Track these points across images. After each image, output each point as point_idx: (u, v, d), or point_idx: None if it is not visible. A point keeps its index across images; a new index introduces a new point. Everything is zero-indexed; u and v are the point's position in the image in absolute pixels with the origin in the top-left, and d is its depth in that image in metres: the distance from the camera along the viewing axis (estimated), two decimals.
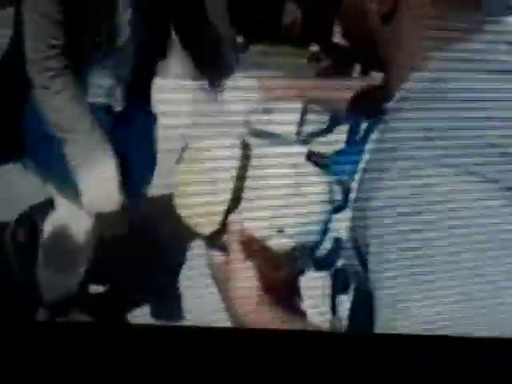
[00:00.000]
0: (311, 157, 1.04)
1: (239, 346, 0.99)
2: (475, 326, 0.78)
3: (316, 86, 1.34)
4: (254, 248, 0.95)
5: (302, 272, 1.01)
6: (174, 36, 1.97)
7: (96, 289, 2.03)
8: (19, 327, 1.09)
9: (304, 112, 1.26)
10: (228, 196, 1.01)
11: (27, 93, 1.79)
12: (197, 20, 1.93)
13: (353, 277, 0.95)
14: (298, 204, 1.00)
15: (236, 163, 1.02)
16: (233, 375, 1.00)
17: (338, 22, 1.00)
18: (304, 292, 1.00)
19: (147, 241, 2.03)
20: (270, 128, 1.21)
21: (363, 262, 0.88)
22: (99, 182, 1.72)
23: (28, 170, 1.92)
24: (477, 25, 0.87)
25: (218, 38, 1.99)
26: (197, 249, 1.16)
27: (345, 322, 1.00)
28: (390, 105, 0.90)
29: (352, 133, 1.17)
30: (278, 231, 0.98)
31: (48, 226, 1.84)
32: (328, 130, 1.29)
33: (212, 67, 1.91)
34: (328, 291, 1.01)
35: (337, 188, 1.00)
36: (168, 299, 2.11)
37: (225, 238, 0.99)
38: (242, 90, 1.24)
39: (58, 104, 1.73)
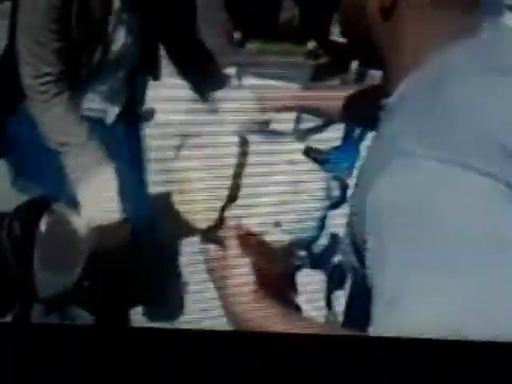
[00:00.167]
0: (309, 153, 1.05)
1: (235, 349, 1.00)
2: (473, 328, 0.78)
3: (310, 96, 1.34)
4: (250, 243, 0.95)
5: (298, 267, 1.01)
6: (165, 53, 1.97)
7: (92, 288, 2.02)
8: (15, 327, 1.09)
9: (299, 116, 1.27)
10: (226, 192, 1.01)
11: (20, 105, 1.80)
12: (188, 36, 1.94)
13: (350, 272, 0.96)
14: (295, 199, 1.00)
15: (234, 159, 1.02)
16: (229, 378, 1.00)
17: (336, 19, 1.00)
18: (300, 287, 1.00)
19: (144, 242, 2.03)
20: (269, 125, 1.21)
21: (360, 258, 0.88)
22: (98, 194, 1.73)
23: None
24: (475, 23, 0.88)
25: (210, 52, 1.99)
26: (192, 247, 1.17)
27: (340, 318, 1.00)
28: (389, 101, 0.90)
29: (349, 129, 1.18)
30: (275, 225, 0.98)
31: (46, 222, 1.84)
32: (325, 126, 1.30)
33: (203, 81, 1.91)
34: (324, 286, 1.01)
35: (334, 184, 1.00)
36: (164, 300, 2.10)
37: (222, 233, 0.99)
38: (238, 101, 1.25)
39: (53, 120, 1.74)
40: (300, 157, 1.05)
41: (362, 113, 1.12)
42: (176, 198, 1.05)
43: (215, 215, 1.00)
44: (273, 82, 2.17)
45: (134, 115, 2.00)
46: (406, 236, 0.79)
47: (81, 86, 1.80)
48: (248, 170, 1.02)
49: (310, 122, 1.33)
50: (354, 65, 2.16)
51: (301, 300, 0.97)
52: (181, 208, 1.03)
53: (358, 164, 0.99)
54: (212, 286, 0.97)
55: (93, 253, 1.79)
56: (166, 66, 1.99)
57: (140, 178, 1.93)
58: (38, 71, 1.71)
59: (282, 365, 1.00)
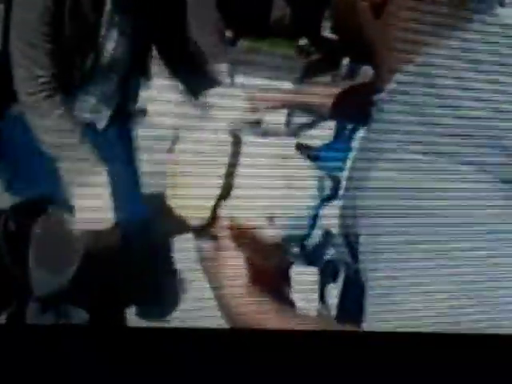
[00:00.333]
0: (301, 148, 1.05)
1: (229, 346, 1.00)
2: (466, 321, 0.79)
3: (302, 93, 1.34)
4: (244, 239, 0.95)
5: (291, 263, 1.02)
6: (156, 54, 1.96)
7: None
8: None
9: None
10: (219, 187, 1.01)
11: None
12: (179, 37, 1.94)
13: (342, 267, 0.96)
14: (288, 195, 1.01)
15: (227, 155, 1.02)
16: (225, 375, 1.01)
17: (327, 16, 1.00)
18: (294, 282, 1.00)
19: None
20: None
21: (353, 253, 0.89)
22: (92, 198, 1.73)
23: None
24: (465, 18, 0.88)
25: (201, 52, 1.99)
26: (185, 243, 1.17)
27: (334, 312, 1.01)
28: (380, 97, 0.90)
29: (340, 126, 1.18)
30: (269, 220, 0.98)
31: (41, 221, 1.85)
32: (316, 122, 1.30)
33: (194, 81, 1.91)
34: (317, 281, 1.01)
35: (326, 180, 1.00)
36: (157, 298, 2.10)
37: (215, 229, 0.99)
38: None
39: (46, 124, 1.73)
40: (293, 152, 1.05)
41: (353, 109, 1.13)
42: (169, 193, 1.05)
43: (209, 211, 1.01)
44: (265, 80, 2.17)
45: (126, 117, 2.00)
46: (399, 228, 0.80)
47: (74, 90, 1.80)
48: (241, 166, 1.03)
49: (302, 118, 1.33)
50: (345, 61, 2.17)
51: (294, 295, 0.97)
52: (174, 204, 1.03)
53: (349, 159, 0.99)
54: (205, 282, 0.97)
55: (87, 253, 1.79)
56: (157, 66, 1.99)
57: (133, 179, 1.93)
58: (31, 74, 1.71)
59: (277, 361, 1.01)
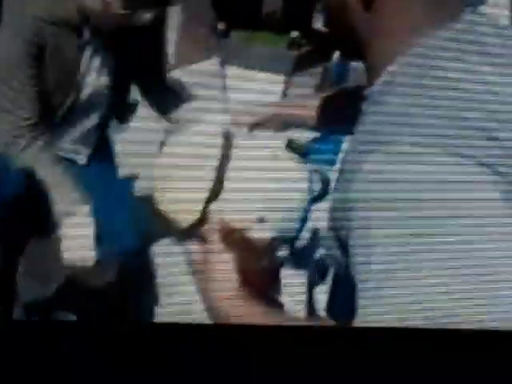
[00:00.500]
0: (290, 145, 1.05)
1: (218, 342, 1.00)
2: (460, 317, 0.79)
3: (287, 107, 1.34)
4: (234, 240, 0.95)
5: (281, 263, 1.01)
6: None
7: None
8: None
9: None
10: (208, 189, 1.01)
11: None
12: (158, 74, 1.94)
13: (332, 266, 0.96)
14: (278, 195, 1.00)
15: (216, 155, 1.02)
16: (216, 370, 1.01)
17: (319, 8, 1.00)
18: (283, 283, 1.00)
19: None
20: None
21: (344, 247, 0.88)
22: (76, 232, 1.74)
23: None
24: (455, 9, 0.88)
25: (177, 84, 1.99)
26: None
27: (322, 312, 1.01)
28: (372, 90, 0.90)
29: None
30: (259, 220, 0.98)
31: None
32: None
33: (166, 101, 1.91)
34: (306, 281, 1.02)
35: (316, 178, 1.00)
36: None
37: (204, 230, 0.99)
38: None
39: (27, 158, 1.74)
40: (283, 152, 1.05)
41: (340, 117, 1.13)
42: (158, 195, 1.05)
43: (197, 212, 1.01)
44: (256, 73, 2.16)
45: (107, 152, 2.01)
46: (391, 223, 0.80)
47: (54, 129, 1.80)
48: (231, 167, 1.02)
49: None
50: (336, 55, 2.17)
51: (283, 296, 0.97)
52: (163, 205, 1.03)
53: (341, 152, 0.99)
54: (192, 280, 0.97)
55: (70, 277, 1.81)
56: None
57: (120, 212, 1.93)
58: (16, 117, 1.72)
59: (266, 356, 1.01)
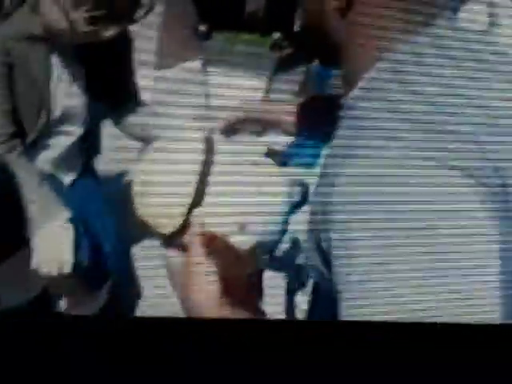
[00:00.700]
0: (269, 154, 1.05)
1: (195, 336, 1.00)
2: (437, 313, 0.80)
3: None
4: (215, 247, 0.95)
5: (262, 271, 1.02)
6: None
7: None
8: None
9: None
10: (189, 195, 1.01)
11: None
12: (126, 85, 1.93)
13: (312, 273, 0.96)
14: (259, 202, 1.01)
15: (197, 163, 1.02)
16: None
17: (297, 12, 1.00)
18: (265, 291, 1.00)
19: None
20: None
21: (324, 256, 0.89)
22: (51, 241, 1.73)
23: None
24: (431, 16, 0.89)
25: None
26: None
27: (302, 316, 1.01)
28: (349, 98, 0.91)
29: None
30: (240, 228, 0.98)
31: None
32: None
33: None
34: (287, 288, 1.02)
35: (295, 185, 1.01)
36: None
37: (185, 237, 0.99)
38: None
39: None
40: (263, 158, 1.06)
41: (317, 123, 1.13)
42: (139, 201, 1.05)
43: (178, 219, 1.01)
44: (238, 75, 2.16)
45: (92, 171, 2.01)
46: (370, 226, 0.80)
47: (32, 146, 1.80)
48: (211, 171, 1.03)
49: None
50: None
51: (265, 304, 0.98)
52: (142, 212, 1.03)
53: (320, 158, 1.00)
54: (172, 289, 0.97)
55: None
56: None
57: (104, 228, 1.93)
58: None
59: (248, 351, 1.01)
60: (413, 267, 0.80)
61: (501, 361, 0.99)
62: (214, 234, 0.96)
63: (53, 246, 1.72)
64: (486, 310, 0.81)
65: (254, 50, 2.33)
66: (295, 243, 1.00)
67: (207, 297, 0.92)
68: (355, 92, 0.90)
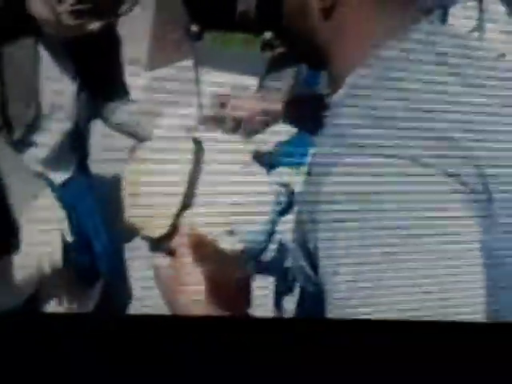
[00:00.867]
0: (256, 157, 1.05)
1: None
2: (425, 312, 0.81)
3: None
4: (203, 252, 0.96)
5: (250, 274, 1.02)
6: None
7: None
8: None
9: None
10: (178, 197, 1.01)
11: None
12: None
13: (299, 277, 0.97)
14: (247, 206, 1.01)
15: (186, 164, 1.02)
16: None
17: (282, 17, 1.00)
18: (252, 294, 1.01)
19: None
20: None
21: (311, 260, 0.89)
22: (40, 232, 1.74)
23: None
24: (414, 18, 0.90)
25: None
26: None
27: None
28: (334, 99, 0.91)
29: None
30: (228, 233, 0.99)
31: None
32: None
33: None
34: (274, 292, 1.02)
35: (281, 190, 1.01)
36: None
37: (173, 241, 0.99)
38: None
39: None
40: (251, 160, 1.06)
41: (305, 116, 1.13)
42: (128, 202, 1.05)
43: (167, 221, 1.01)
44: (231, 75, 2.17)
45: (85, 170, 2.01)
46: (356, 229, 0.81)
47: (21, 141, 1.80)
48: (200, 174, 1.03)
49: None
50: None
51: (252, 308, 0.98)
52: (131, 214, 1.03)
53: (307, 157, 1.00)
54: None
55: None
56: None
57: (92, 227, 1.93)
58: None
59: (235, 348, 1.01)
60: (398, 267, 0.80)
61: (485, 359, 1.00)
62: (202, 238, 0.97)
63: (40, 229, 1.73)
64: (470, 309, 0.82)
65: (246, 50, 2.33)
66: (282, 246, 1.00)
67: (194, 301, 0.93)
68: (341, 92, 0.90)
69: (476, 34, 1.10)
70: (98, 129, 1.99)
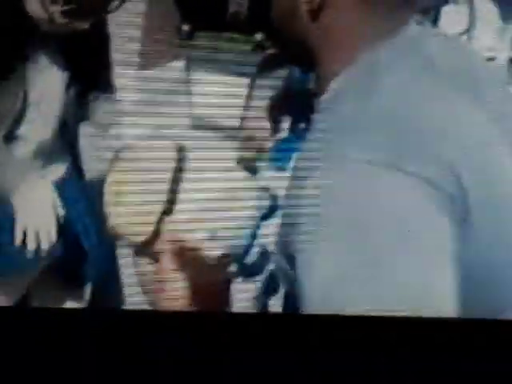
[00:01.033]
0: (241, 162, 1.05)
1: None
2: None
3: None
4: (185, 257, 0.96)
5: (232, 279, 1.02)
6: None
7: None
8: None
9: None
10: (161, 204, 1.01)
11: None
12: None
13: (282, 281, 0.97)
14: (230, 210, 1.01)
15: (169, 171, 1.02)
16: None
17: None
18: (234, 298, 1.01)
19: None
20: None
21: (292, 264, 0.89)
22: (35, 209, 1.74)
23: None
24: (403, 21, 0.89)
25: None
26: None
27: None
28: (321, 101, 0.91)
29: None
30: (211, 237, 0.99)
31: None
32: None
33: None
34: (258, 296, 1.02)
35: (264, 195, 1.01)
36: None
37: (156, 246, 0.99)
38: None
39: None
40: (234, 165, 1.06)
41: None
42: (109, 210, 1.05)
43: (150, 228, 1.01)
44: (222, 74, 2.16)
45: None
46: (336, 237, 0.81)
47: (7, 136, 1.80)
48: (183, 179, 1.03)
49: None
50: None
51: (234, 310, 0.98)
52: (114, 221, 1.03)
53: (292, 161, 1.00)
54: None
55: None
56: None
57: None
58: None
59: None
60: (374, 262, 0.80)
61: (459, 355, 1.01)
62: (184, 244, 0.97)
63: (35, 210, 1.73)
64: (443, 304, 0.82)
65: (238, 50, 2.32)
66: (266, 250, 1.00)
67: (177, 305, 0.93)
68: (328, 93, 0.90)
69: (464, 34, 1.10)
70: (87, 130, 1.99)
